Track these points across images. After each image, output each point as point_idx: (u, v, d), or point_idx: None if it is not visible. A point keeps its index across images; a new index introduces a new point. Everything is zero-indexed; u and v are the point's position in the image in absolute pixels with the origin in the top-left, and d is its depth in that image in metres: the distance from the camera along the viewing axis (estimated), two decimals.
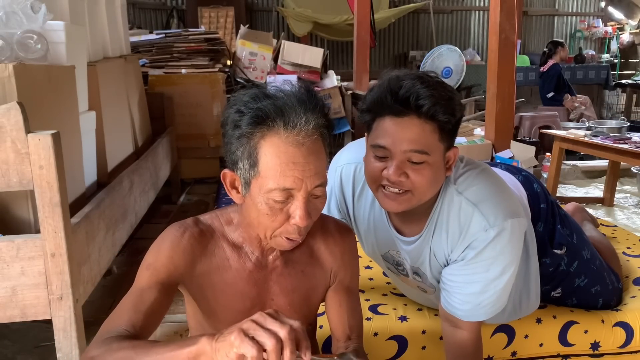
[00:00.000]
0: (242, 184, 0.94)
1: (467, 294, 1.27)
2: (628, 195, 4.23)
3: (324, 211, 1.49)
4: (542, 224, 1.50)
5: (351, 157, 1.41)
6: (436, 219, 1.27)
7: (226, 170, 0.97)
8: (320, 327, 1.45)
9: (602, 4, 9.55)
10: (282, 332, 0.72)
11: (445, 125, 1.13)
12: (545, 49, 6.38)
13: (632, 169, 4.37)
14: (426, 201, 1.23)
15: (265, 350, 0.72)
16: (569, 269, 1.55)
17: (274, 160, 0.89)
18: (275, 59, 5.26)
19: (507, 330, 1.55)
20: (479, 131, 3.88)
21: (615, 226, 2.37)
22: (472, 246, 1.22)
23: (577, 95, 6.19)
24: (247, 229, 1.03)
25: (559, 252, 1.52)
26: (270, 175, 0.89)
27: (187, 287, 1.03)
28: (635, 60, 9.22)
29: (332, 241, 1.11)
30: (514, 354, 1.58)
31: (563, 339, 1.58)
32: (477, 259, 1.22)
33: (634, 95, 8.19)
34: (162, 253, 0.99)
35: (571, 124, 4.94)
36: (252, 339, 0.72)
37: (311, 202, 0.94)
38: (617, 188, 3.99)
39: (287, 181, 0.89)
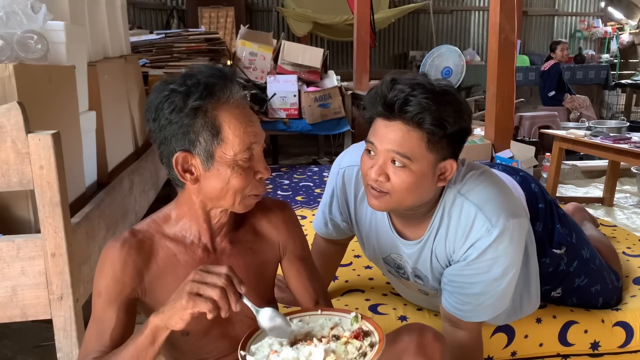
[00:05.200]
0: (202, 160, 0.97)
1: (468, 294, 1.27)
2: (628, 195, 4.23)
3: (325, 212, 1.50)
4: (540, 224, 1.50)
5: (353, 159, 1.41)
6: (438, 221, 1.27)
7: (178, 154, 0.98)
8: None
9: (602, 4, 9.55)
10: (221, 281, 0.85)
11: (432, 136, 1.11)
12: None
13: (632, 169, 4.36)
14: (422, 204, 1.23)
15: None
16: (569, 268, 1.55)
17: (234, 122, 0.97)
18: (275, 59, 5.26)
19: (507, 330, 1.55)
20: (479, 131, 3.88)
21: (615, 226, 2.38)
22: (474, 246, 1.22)
23: (577, 95, 6.19)
24: (191, 217, 1.04)
25: (558, 252, 1.52)
26: (235, 137, 0.96)
27: (142, 298, 1.04)
28: (635, 60, 9.22)
29: (273, 216, 1.15)
30: (513, 353, 1.58)
31: (563, 338, 1.58)
32: (479, 260, 1.23)
33: (634, 95, 8.19)
34: (107, 276, 1.00)
35: (571, 124, 4.94)
36: (200, 296, 0.84)
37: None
38: (616, 188, 3.99)
39: (250, 137, 0.98)
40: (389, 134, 1.13)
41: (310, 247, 1.30)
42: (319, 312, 1.02)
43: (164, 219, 1.07)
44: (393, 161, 1.14)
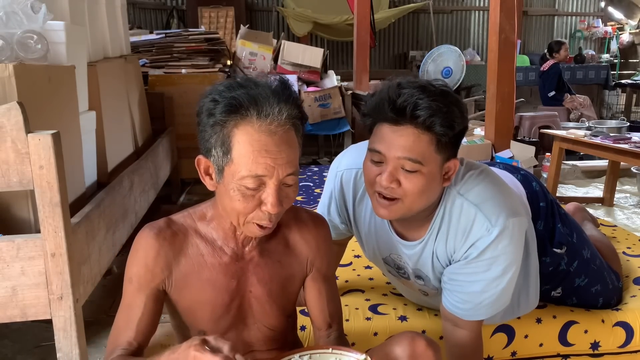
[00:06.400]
0: (215, 170, 0.96)
1: (468, 293, 1.27)
2: (628, 195, 4.23)
3: (324, 214, 1.50)
4: (542, 223, 1.50)
5: (352, 162, 1.41)
6: (439, 222, 1.27)
7: (200, 157, 0.98)
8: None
9: (602, 4, 9.55)
10: None
11: (442, 137, 1.12)
12: (546, 51, 6.39)
13: (632, 169, 4.36)
14: (428, 206, 1.23)
15: None
16: (569, 268, 1.55)
17: (247, 147, 0.91)
18: (275, 59, 5.26)
19: (507, 330, 1.55)
20: (479, 131, 3.88)
21: (615, 226, 2.38)
22: (474, 246, 1.23)
23: (577, 95, 6.19)
24: (222, 221, 1.04)
25: (558, 251, 1.52)
26: (242, 162, 0.91)
27: (168, 291, 1.04)
28: (635, 60, 9.22)
29: (306, 231, 1.12)
30: (513, 353, 1.58)
31: (563, 338, 1.58)
32: (479, 259, 1.23)
33: (634, 95, 8.19)
34: (139, 264, 1.01)
35: (571, 124, 4.94)
36: None
37: (283, 190, 0.96)
38: (617, 188, 3.98)
39: (259, 168, 0.91)
40: (398, 140, 1.12)
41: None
42: (330, 350, 1.02)
43: (200, 216, 1.07)
44: (403, 166, 1.13)
